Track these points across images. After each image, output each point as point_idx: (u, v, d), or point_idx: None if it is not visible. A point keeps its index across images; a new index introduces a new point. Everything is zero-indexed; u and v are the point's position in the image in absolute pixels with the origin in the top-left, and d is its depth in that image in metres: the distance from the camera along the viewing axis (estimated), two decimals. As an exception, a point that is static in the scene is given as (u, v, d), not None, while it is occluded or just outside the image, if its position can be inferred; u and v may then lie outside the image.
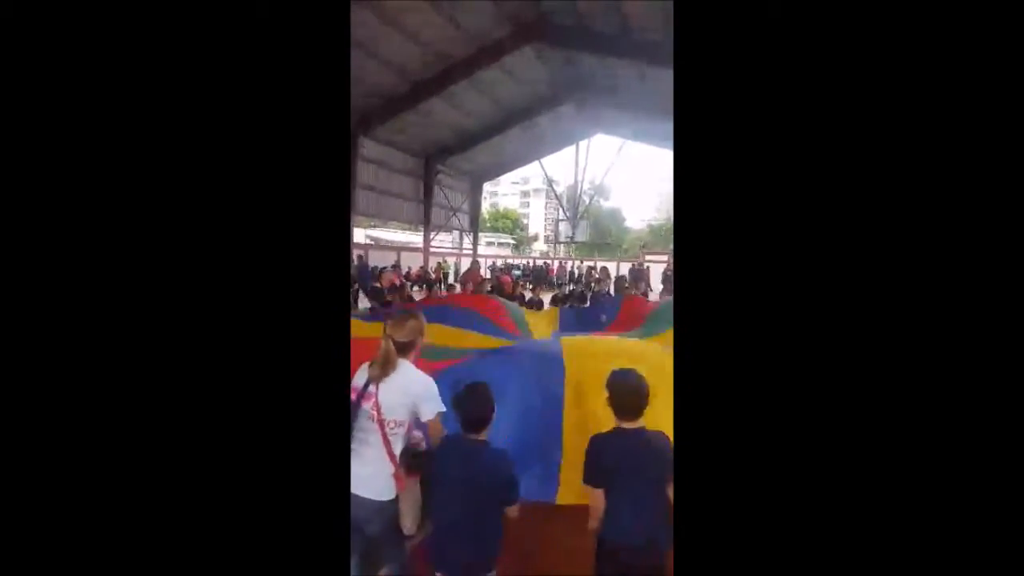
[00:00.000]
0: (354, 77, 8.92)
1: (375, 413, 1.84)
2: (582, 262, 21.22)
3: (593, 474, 1.83)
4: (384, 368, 1.89)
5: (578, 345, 3.12)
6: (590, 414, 2.39)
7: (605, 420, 1.93)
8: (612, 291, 9.41)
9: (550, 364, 2.80)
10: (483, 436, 1.88)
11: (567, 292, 8.16)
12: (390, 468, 1.85)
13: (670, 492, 1.76)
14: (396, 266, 14.64)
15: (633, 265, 19.95)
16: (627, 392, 1.84)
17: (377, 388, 1.86)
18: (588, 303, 7.47)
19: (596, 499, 1.82)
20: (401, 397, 1.88)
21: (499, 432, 2.01)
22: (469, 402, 1.87)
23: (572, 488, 2.18)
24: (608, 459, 1.80)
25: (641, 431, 1.82)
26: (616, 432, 1.84)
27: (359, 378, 1.92)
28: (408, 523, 1.88)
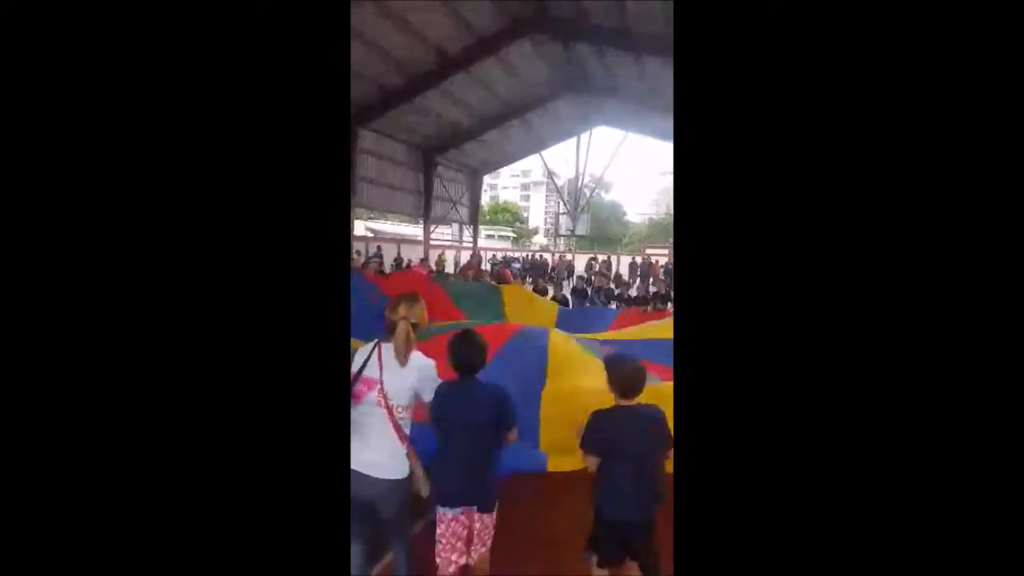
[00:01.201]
0: (353, 70, 8.86)
1: (382, 400, 1.86)
2: (567, 256, 21.10)
3: (591, 443, 1.91)
4: (407, 352, 1.92)
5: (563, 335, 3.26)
6: (567, 387, 2.50)
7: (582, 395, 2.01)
8: (614, 286, 9.38)
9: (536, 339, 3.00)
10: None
11: (571, 291, 8.04)
12: (403, 449, 1.91)
13: (667, 465, 1.88)
14: (424, 260, 14.49)
15: (633, 259, 20.00)
16: (627, 373, 1.94)
17: (381, 376, 1.86)
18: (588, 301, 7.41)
19: (593, 464, 1.92)
20: (408, 382, 1.91)
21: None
22: (463, 347, 1.93)
23: (556, 453, 2.28)
24: (608, 432, 1.89)
25: (639, 405, 1.91)
26: (616, 408, 1.93)
27: (355, 364, 1.94)
28: (424, 489, 1.98)
